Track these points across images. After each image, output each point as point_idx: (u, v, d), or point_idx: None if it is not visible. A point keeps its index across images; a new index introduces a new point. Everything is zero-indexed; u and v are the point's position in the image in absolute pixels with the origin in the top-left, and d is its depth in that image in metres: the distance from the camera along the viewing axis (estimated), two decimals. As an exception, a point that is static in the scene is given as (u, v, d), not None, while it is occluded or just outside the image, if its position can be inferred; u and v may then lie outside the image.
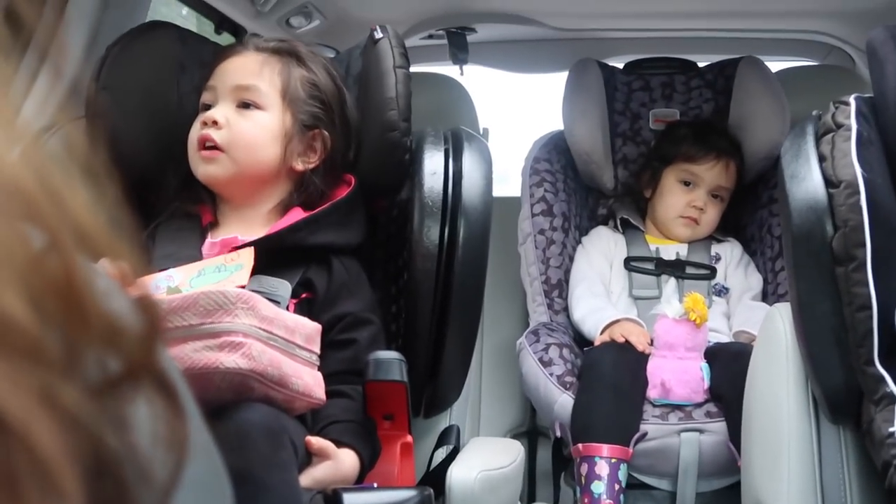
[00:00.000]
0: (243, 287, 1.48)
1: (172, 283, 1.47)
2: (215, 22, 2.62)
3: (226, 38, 2.61)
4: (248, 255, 1.52)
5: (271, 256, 1.57)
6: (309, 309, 1.59)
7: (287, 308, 1.54)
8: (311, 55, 1.76)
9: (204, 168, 1.68)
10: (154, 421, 0.44)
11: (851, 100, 1.69)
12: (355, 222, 1.72)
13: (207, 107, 1.71)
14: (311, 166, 1.71)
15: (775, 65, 2.94)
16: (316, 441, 1.46)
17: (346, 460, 1.48)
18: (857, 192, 1.56)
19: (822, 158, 1.64)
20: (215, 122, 1.66)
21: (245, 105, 1.69)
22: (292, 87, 1.70)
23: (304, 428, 1.49)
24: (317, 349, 1.48)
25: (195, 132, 1.70)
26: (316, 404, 1.48)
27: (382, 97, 1.73)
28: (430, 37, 3.12)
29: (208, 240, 1.66)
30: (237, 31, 2.66)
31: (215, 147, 1.66)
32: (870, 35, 1.71)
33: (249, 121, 1.68)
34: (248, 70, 1.71)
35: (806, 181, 1.64)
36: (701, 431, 2.22)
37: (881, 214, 1.56)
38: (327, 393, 1.48)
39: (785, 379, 1.73)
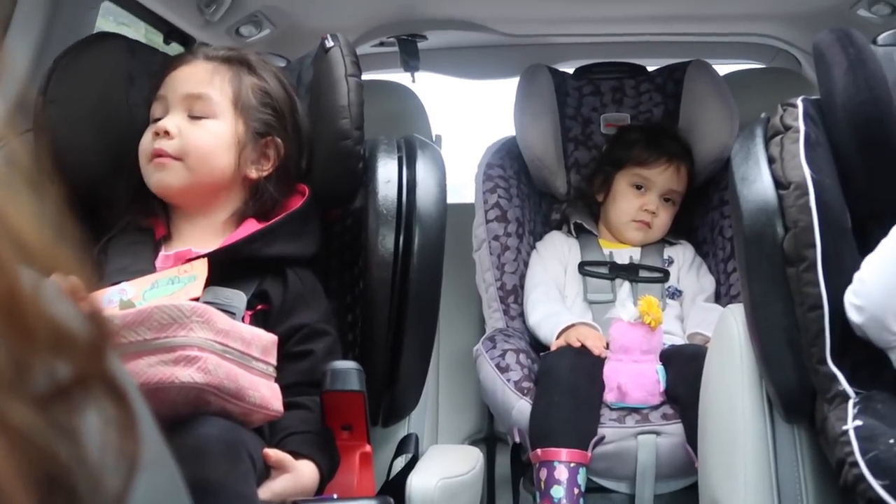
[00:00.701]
0: (197, 299, 1.47)
1: (125, 297, 1.46)
2: (164, 32, 2.60)
3: (175, 49, 2.59)
4: (201, 266, 1.51)
5: (226, 268, 1.56)
6: (264, 320, 1.58)
7: (242, 319, 1.53)
8: (262, 63, 1.75)
9: (158, 176, 1.67)
10: (104, 428, 0.43)
11: (799, 102, 1.71)
12: (310, 233, 1.71)
13: (158, 118, 1.69)
14: (265, 174, 1.70)
15: (723, 67, 2.97)
16: (274, 453, 1.45)
17: (304, 472, 1.47)
18: (807, 193, 1.58)
19: (771, 160, 1.66)
20: (167, 133, 1.65)
21: (197, 116, 1.67)
22: (244, 94, 1.69)
23: (262, 440, 1.48)
24: (273, 361, 1.47)
25: (147, 143, 1.68)
26: (273, 416, 1.46)
27: (335, 106, 1.72)
28: (381, 44, 3.12)
29: (162, 253, 1.64)
30: (186, 41, 2.64)
31: (168, 156, 1.65)
32: (816, 38, 1.73)
33: (202, 129, 1.66)
34: (199, 79, 1.69)
35: (756, 183, 1.66)
36: (658, 434, 2.23)
37: (830, 215, 1.58)
38: (285, 405, 1.47)
39: (739, 379, 1.74)
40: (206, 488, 1.27)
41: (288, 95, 1.74)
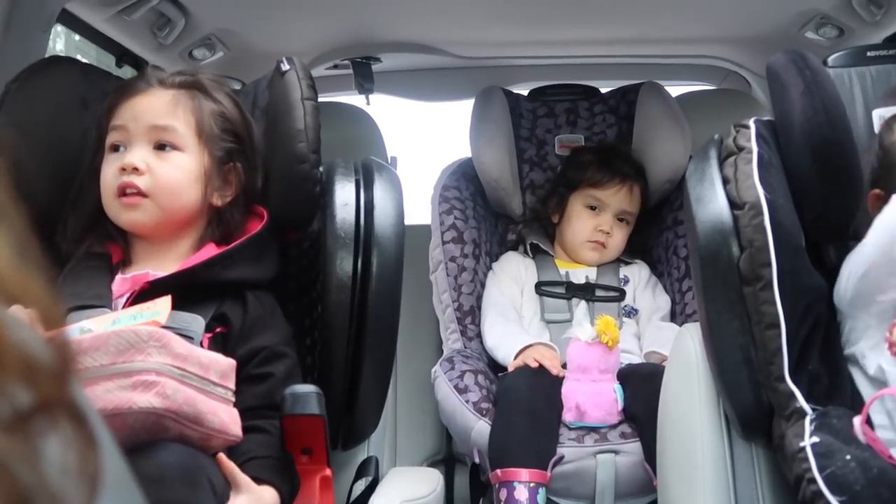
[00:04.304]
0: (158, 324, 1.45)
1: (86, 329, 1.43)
2: (116, 55, 2.58)
3: (127, 72, 2.58)
4: (164, 303, 1.48)
5: (185, 292, 1.54)
6: (224, 344, 1.56)
7: (201, 343, 1.51)
8: (215, 85, 1.73)
9: (128, 215, 1.64)
10: (65, 452, 0.43)
11: (751, 123, 1.73)
12: (269, 256, 1.70)
13: (116, 147, 1.66)
14: (228, 200, 1.69)
15: (675, 89, 3.01)
16: (228, 464, 1.43)
17: (266, 498, 1.46)
18: (761, 213, 1.59)
19: (725, 181, 1.68)
20: (136, 169, 1.62)
21: (161, 146, 1.65)
22: (206, 124, 1.67)
23: (221, 466, 1.47)
24: (232, 385, 1.46)
25: (112, 177, 1.64)
26: (232, 441, 1.45)
27: (291, 129, 1.71)
28: (336, 67, 3.13)
29: (119, 276, 1.62)
30: (139, 64, 2.63)
31: (138, 193, 1.62)
32: (771, 59, 1.75)
33: (170, 164, 1.64)
34: (162, 110, 1.66)
35: (711, 204, 1.67)
36: (616, 452, 2.24)
37: (785, 234, 1.60)
38: (244, 428, 1.46)
39: (697, 398, 1.75)
40: (165, 516, 1.25)
41: (243, 117, 1.73)
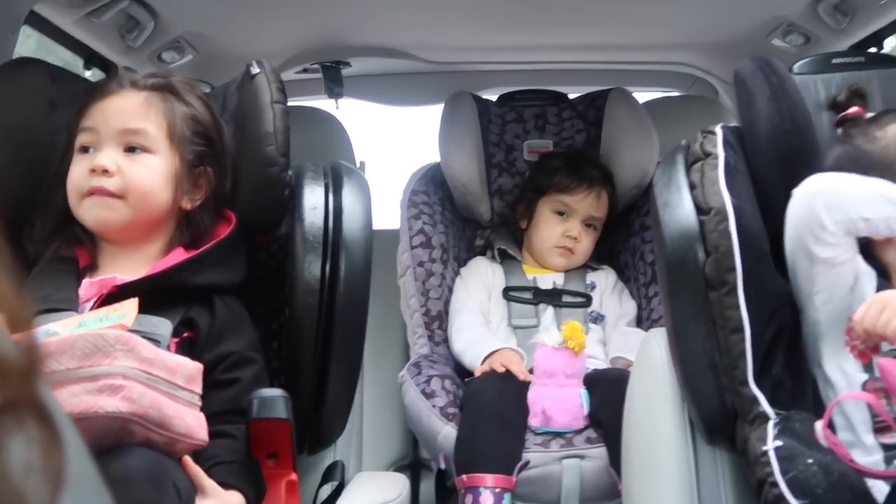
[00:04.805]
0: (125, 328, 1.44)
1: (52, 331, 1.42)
2: (84, 57, 2.57)
3: (96, 74, 2.56)
4: (131, 305, 1.47)
5: (152, 296, 1.54)
6: (191, 348, 1.56)
7: (168, 347, 1.51)
8: (187, 88, 1.72)
9: (97, 214, 1.62)
10: (29, 450, 0.43)
11: (718, 129, 1.75)
12: (237, 261, 1.70)
13: (86, 149, 1.65)
14: (198, 203, 1.69)
15: (643, 95, 3.03)
16: (193, 468, 1.43)
17: (231, 502, 1.46)
18: (727, 219, 1.61)
19: (692, 186, 1.70)
20: (105, 171, 1.61)
21: (131, 149, 1.64)
22: (178, 127, 1.66)
23: (187, 470, 1.46)
24: (198, 389, 1.45)
25: (80, 178, 1.63)
26: (198, 446, 1.45)
27: (260, 132, 1.71)
28: (305, 70, 3.12)
29: (86, 280, 1.61)
30: (107, 66, 2.62)
31: (109, 194, 1.61)
32: (738, 66, 1.77)
33: (141, 166, 1.63)
34: (133, 112, 1.65)
35: (678, 209, 1.69)
36: (582, 457, 2.25)
37: (750, 239, 1.61)
38: (210, 433, 1.46)
39: (662, 403, 1.76)
40: (130, 520, 1.25)
41: (215, 120, 1.73)
